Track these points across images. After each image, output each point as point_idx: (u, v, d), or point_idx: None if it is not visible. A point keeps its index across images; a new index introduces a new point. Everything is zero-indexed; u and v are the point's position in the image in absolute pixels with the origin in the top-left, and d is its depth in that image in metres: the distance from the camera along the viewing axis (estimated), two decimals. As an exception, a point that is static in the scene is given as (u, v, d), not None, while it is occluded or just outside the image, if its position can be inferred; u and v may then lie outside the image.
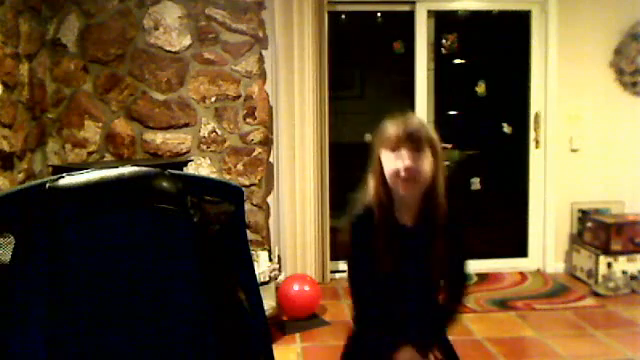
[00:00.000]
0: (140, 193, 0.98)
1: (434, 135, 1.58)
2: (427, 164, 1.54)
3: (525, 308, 3.44)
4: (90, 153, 3.76)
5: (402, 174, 1.53)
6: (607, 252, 3.74)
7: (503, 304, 3.51)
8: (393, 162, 1.55)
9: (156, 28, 3.75)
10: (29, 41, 3.33)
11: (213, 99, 3.83)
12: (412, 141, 1.53)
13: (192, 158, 3.78)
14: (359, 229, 1.64)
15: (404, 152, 1.53)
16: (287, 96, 3.76)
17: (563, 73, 4.07)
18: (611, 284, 3.65)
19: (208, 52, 3.80)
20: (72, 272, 0.93)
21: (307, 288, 3.27)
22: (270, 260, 3.43)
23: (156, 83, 3.78)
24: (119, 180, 0.96)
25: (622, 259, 3.73)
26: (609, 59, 4.08)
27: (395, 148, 1.54)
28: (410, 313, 1.67)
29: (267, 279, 3.15)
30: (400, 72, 4.30)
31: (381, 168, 1.59)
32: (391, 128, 1.57)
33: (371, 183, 1.63)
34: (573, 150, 4.12)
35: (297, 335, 3.06)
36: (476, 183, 4.35)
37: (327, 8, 3.78)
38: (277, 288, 3.31)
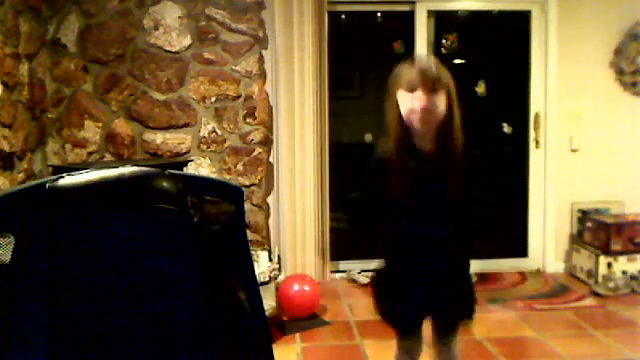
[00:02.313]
0: (140, 193, 0.98)
1: (448, 75, 1.68)
2: (441, 102, 1.64)
3: (525, 308, 3.44)
4: (90, 153, 3.76)
5: (418, 112, 1.62)
6: (607, 252, 3.74)
7: (503, 304, 3.51)
8: (409, 102, 1.64)
9: (156, 28, 3.75)
10: (29, 41, 3.33)
11: (213, 99, 3.83)
12: (427, 81, 1.62)
13: (192, 158, 3.78)
14: (377, 162, 1.76)
15: (419, 92, 1.61)
16: (287, 96, 3.76)
17: (563, 73, 4.07)
18: (611, 284, 3.65)
19: (208, 52, 3.80)
20: (72, 272, 0.93)
21: (307, 288, 3.27)
22: (270, 260, 3.43)
23: (156, 83, 3.78)
24: (119, 180, 0.96)
25: (622, 259, 3.73)
26: (609, 59, 4.08)
27: (411, 89, 1.63)
28: (431, 236, 1.73)
29: (267, 279, 3.15)
30: (400, 72, 4.29)
31: (398, 107, 1.68)
32: (407, 70, 1.66)
33: (389, 121, 1.72)
34: (573, 150, 4.12)
35: (297, 335, 3.06)
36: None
37: (327, 8, 3.78)
38: (277, 288, 3.31)
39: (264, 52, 3.85)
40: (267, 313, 2.82)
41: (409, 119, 1.66)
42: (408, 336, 1.90)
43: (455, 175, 1.66)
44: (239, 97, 3.85)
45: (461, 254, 1.82)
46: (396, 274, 1.82)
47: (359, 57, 4.55)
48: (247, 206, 3.82)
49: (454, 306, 1.85)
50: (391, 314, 1.86)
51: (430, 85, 1.61)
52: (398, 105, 1.67)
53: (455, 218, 1.74)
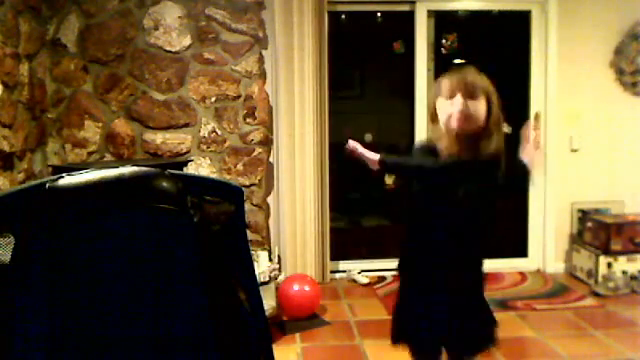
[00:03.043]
0: (140, 193, 0.97)
1: (489, 84, 1.70)
2: (481, 109, 1.65)
3: (525, 308, 3.44)
4: (90, 153, 3.76)
5: (455, 115, 1.63)
6: (607, 252, 3.74)
7: (503, 304, 3.50)
8: (448, 107, 1.65)
9: (156, 28, 3.76)
10: (29, 41, 3.33)
11: (213, 99, 3.83)
12: (466, 88, 1.64)
13: (192, 158, 3.78)
14: (417, 151, 1.83)
15: (458, 98, 1.63)
16: (287, 96, 3.76)
17: (563, 73, 4.07)
18: (611, 284, 3.65)
19: (208, 52, 3.80)
20: (72, 272, 0.93)
21: (307, 288, 3.27)
22: (270, 260, 3.43)
23: (156, 83, 3.78)
24: (119, 180, 0.96)
25: (622, 259, 3.73)
26: (609, 59, 4.08)
27: (450, 95, 1.65)
28: (447, 249, 1.73)
29: (267, 279, 3.15)
30: (400, 72, 4.30)
31: (436, 115, 1.70)
32: (447, 79, 1.69)
33: (431, 127, 1.77)
34: (573, 150, 4.12)
35: (297, 335, 3.06)
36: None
37: (327, 8, 3.78)
38: (277, 288, 3.31)
39: (264, 52, 3.85)
40: (267, 313, 2.82)
41: (447, 125, 1.66)
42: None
43: (477, 185, 1.65)
44: (239, 97, 3.85)
45: (476, 268, 1.79)
46: (410, 293, 1.80)
47: (359, 57, 4.56)
48: (247, 206, 3.82)
49: (471, 336, 1.79)
50: (405, 337, 1.82)
51: (469, 91, 1.63)
52: (436, 114, 1.69)
53: (472, 228, 1.74)
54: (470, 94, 1.62)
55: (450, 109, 1.64)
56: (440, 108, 1.68)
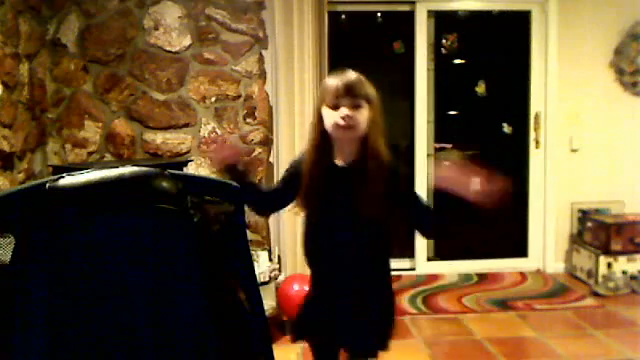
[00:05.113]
0: (140, 193, 0.97)
1: (370, 89, 1.68)
2: (364, 115, 1.64)
3: (525, 308, 3.44)
4: (90, 153, 3.76)
5: (341, 123, 1.63)
6: (607, 252, 3.74)
7: (503, 304, 3.51)
8: (333, 116, 1.64)
9: (156, 28, 3.75)
10: (29, 41, 3.33)
11: (213, 99, 3.83)
12: (350, 97, 1.62)
13: (192, 158, 3.78)
14: (293, 166, 1.80)
15: (343, 108, 1.62)
16: (287, 96, 3.76)
17: (563, 73, 4.07)
18: (611, 284, 3.65)
19: (208, 52, 3.80)
20: (72, 272, 0.93)
21: (307, 288, 3.26)
22: (270, 260, 3.43)
23: (156, 83, 3.78)
24: (119, 180, 0.96)
25: (622, 259, 3.73)
26: (609, 59, 4.08)
27: (335, 105, 1.64)
28: (341, 255, 1.73)
29: (267, 279, 3.15)
30: (400, 72, 4.30)
31: (321, 122, 1.69)
32: (330, 86, 1.66)
33: (310, 134, 1.75)
34: (573, 150, 4.12)
35: (297, 335, 3.06)
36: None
37: (327, 8, 3.78)
38: (277, 288, 3.30)
39: (264, 52, 3.85)
40: (267, 313, 2.82)
41: (332, 132, 1.66)
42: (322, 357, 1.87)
43: (367, 190, 1.62)
44: (239, 97, 3.85)
45: (371, 269, 1.75)
46: (314, 291, 1.84)
47: (359, 57, 4.55)
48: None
49: (361, 336, 1.75)
50: (306, 335, 1.86)
51: (353, 99, 1.62)
52: (321, 121, 1.68)
53: (367, 233, 1.70)
54: (353, 102, 1.62)
55: (335, 118, 1.63)
56: (325, 116, 1.66)
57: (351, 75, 1.67)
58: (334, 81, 1.65)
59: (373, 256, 1.75)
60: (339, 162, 1.70)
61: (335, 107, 1.63)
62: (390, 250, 1.80)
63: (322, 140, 1.70)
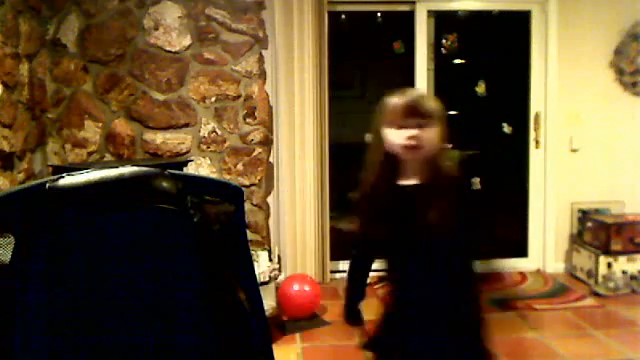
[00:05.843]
0: (140, 193, 0.97)
1: (435, 104, 1.60)
2: (431, 134, 1.56)
3: (525, 308, 3.44)
4: (90, 153, 3.76)
5: (407, 144, 1.54)
6: (607, 252, 3.74)
7: (503, 304, 3.50)
8: (398, 137, 1.56)
9: (156, 28, 3.75)
10: (29, 41, 3.33)
11: (213, 99, 3.83)
12: (415, 116, 1.55)
13: (192, 158, 3.78)
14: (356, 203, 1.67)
15: (410, 130, 1.54)
16: (287, 96, 3.76)
17: (563, 73, 4.07)
18: (611, 284, 3.64)
19: (208, 52, 3.80)
20: (72, 272, 0.93)
21: (307, 288, 3.27)
22: (270, 260, 3.43)
23: (156, 83, 3.78)
24: (119, 180, 0.96)
25: (622, 259, 3.73)
26: (609, 59, 4.08)
27: (400, 125, 1.56)
28: (419, 289, 1.61)
29: (267, 279, 3.15)
30: (400, 72, 4.30)
31: (382, 142, 1.60)
32: (393, 105, 1.58)
33: (370, 155, 1.65)
34: (573, 150, 4.12)
35: (297, 335, 3.06)
36: (476, 183, 4.35)
37: (327, 8, 3.78)
38: (277, 288, 3.31)
39: (264, 52, 3.85)
40: (267, 313, 2.82)
41: (397, 153, 1.58)
42: None
43: (439, 209, 1.51)
44: (239, 97, 3.85)
45: (468, 327, 1.65)
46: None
47: (359, 57, 4.56)
48: (247, 206, 3.82)
49: None
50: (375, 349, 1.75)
51: (418, 118, 1.54)
52: (383, 142, 1.60)
53: (445, 272, 1.59)
54: (418, 122, 1.54)
55: (399, 139, 1.55)
56: (388, 136, 1.58)
57: (414, 93, 1.62)
58: (397, 100, 1.58)
59: (455, 287, 1.61)
60: (405, 182, 1.61)
61: (400, 127, 1.55)
62: (477, 283, 1.66)
63: (386, 160, 1.61)
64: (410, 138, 1.53)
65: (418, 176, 1.59)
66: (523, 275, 4.09)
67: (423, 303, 1.61)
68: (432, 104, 1.59)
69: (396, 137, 1.56)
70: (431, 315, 1.61)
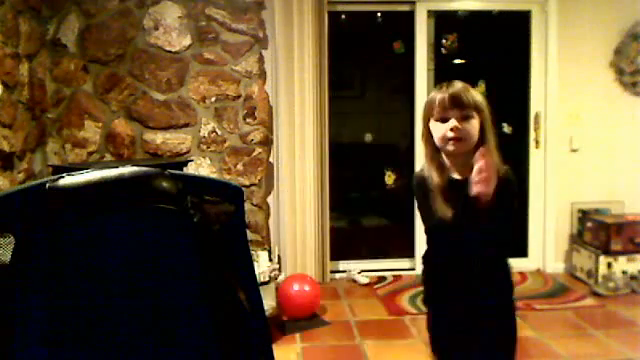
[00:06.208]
0: (140, 193, 0.97)
1: (478, 97, 1.63)
2: (474, 126, 1.60)
3: (525, 308, 3.44)
4: (90, 153, 3.76)
5: (450, 135, 1.58)
6: (607, 252, 3.74)
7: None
8: (441, 129, 1.60)
9: (156, 28, 3.76)
10: (29, 41, 3.33)
11: (213, 99, 3.83)
12: (458, 108, 1.58)
13: (192, 158, 3.78)
14: (418, 187, 1.70)
15: (452, 120, 1.58)
16: (287, 96, 3.76)
17: (563, 73, 4.07)
18: (611, 284, 3.65)
19: (208, 52, 3.80)
20: (72, 272, 0.94)
21: (307, 288, 3.27)
22: (270, 260, 3.43)
23: (156, 83, 3.78)
24: (119, 180, 0.96)
25: (622, 259, 3.73)
26: (609, 59, 4.08)
27: (443, 118, 1.60)
28: (471, 268, 1.66)
29: (267, 279, 3.16)
30: (400, 72, 4.30)
31: (431, 136, 1.65)
32: (436, 98, 1.62)
33: (425, 150, 1.70)
34: (573, 150, 4.12)
35: (297, 335, 3.06)
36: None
37: (327, 8, 3.78)
38: (277, 288, 3.31)
39: (264, 52, 3.85)
40: (267, 313, 2.82)
41: (442, 146, 1.62)
42: None
43: (486, 205, 1.53)
44: (239, 97, 3.85)
45: (500, 291, 1.71)
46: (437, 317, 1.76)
47: (359, 57, 4.55)
48: (247, 206, 3.83)
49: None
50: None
51: (461, 111, 1.58)
52: (431, 135, 1.64)
53: (490, 248, 1.66)
54: (461, 114, 1.58)
55: (443, 132, 1.59)
56: (433, 130, 1.63)
57: (457, 85, 1.64)
58: (440, 93, 1.61)
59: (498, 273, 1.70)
60: (456, 176, 1.64)
61: (443, 120, 1.59)
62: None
63: (437, 154, 1.65)
64: (452, 129, 1.57)
65: (465, 169, 1.60)
66: (523, 275, 4.09)
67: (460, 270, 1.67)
68: (474, 96, 1.62)
69: (440, 130, 1.60)
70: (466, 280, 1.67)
